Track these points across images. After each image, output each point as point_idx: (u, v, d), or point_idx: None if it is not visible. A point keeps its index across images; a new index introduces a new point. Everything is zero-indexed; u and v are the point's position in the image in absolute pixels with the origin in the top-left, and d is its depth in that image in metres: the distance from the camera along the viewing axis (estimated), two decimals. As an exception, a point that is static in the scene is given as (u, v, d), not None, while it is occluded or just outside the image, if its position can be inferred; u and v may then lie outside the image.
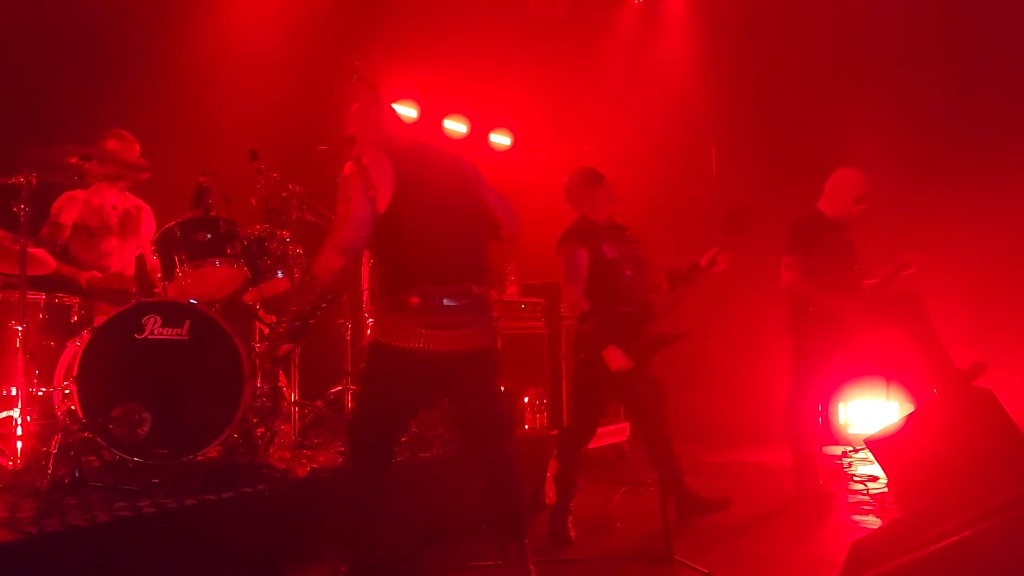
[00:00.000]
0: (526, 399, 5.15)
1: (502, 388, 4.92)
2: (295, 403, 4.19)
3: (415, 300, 3.08)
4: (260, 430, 4.07)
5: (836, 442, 6.59)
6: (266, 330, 4.65)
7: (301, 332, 3.48)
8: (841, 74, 7.57)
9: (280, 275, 4.31)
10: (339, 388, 4.95)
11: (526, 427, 5.10)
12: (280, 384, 4.47)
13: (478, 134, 8.04)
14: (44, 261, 4.13)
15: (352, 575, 3.15)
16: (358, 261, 3.14)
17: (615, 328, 4.15)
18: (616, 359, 4.07)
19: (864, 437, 5.03)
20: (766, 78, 7.71)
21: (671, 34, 8.39)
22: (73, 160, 3.82)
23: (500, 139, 8.32)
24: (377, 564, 3.17)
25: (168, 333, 3.71)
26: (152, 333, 3.68)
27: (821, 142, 7.06)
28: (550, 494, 5.08)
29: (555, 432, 5.32)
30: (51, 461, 3.30)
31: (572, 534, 4.26)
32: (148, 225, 4.76)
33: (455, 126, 7.81)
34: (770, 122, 7.65)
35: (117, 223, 4.67)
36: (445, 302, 3.11)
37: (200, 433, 3.67)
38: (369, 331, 3.25)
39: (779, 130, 7.58)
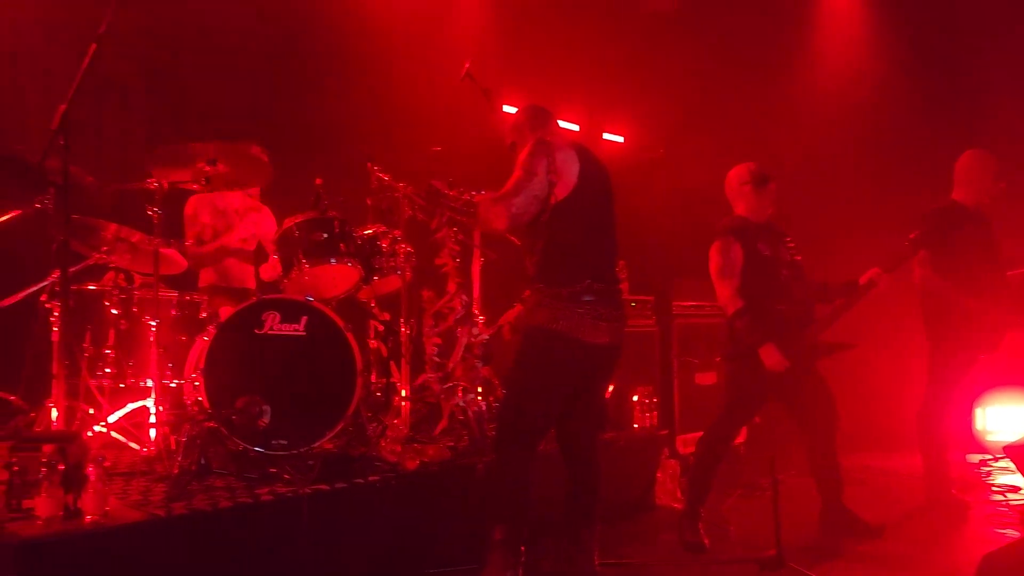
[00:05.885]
0: (635, 397, 5.07)
1: (612, 385, 4.95)
2: (406, 398, 4.28)
3: (591, 293, 3.18)
4: (373, 424, 4.18)
5: (974, 450, 6.18)
6: (380, 327, 4.80)
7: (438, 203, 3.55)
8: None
9: (392, 273, 4.43)
10: (450, 385, 5.03)
11: (635, 426, 5.02)
12: (392, 379, 4.59)
13: (590, 132, 8.00)
14: (176, 260, 4.40)
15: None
16: (512, 230, 3.28)
17: (772, 326, 4.04)
18: (772, 357, 3.97)
19: (1004, 444, 4.69)
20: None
21: (789, 23, 8.06)
22: (200, 165, 4.05)
23: (612, 138, 8.24)
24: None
25: (286, 329, 3.87)
26: (271, 329, 3.85)
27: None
28: (660, 495, 5.02)
29: (665, 432, 5.23)
30: (181, 449, 3.52)
31: (706, 541, 4.12)
32: (268, 226, 4.98)
33: (567, 125, 7.81)
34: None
35: (240, 225, 4.90)
36: (600, 296, 3.23)
37: (316, 425, 3.80)
38: (534, 317, 3.28)
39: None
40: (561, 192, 3.20)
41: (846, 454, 4.35)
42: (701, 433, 4.39)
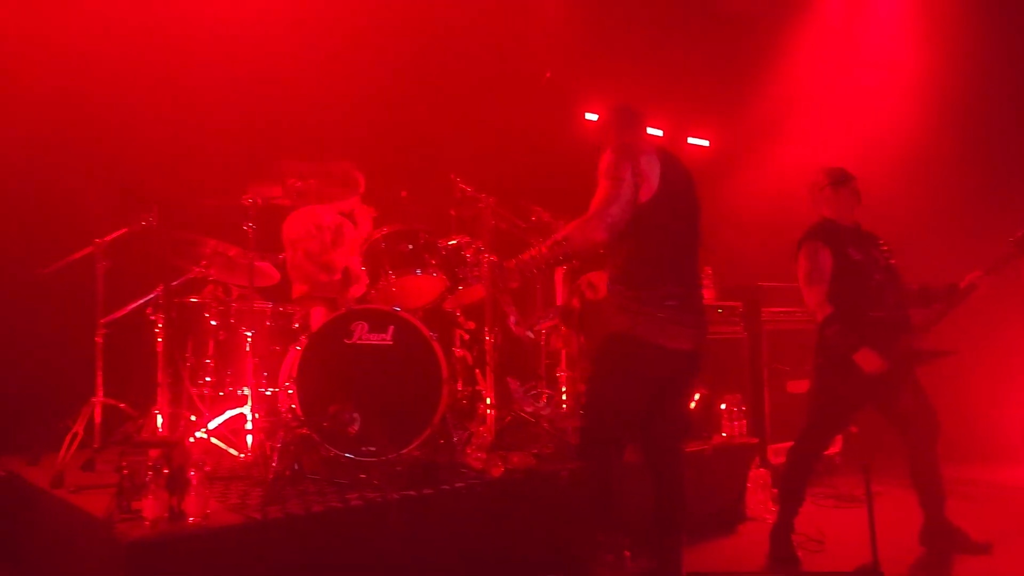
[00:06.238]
0: (723, 406, 4.98)
1: (699, 393, 4.87)
2: (491, 406, 4.33)
3: (672, 298, 3.17)
4: (459, 431, 4.25)
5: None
6: (466, 336, 4.87)
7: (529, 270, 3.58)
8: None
9: (476, 283, 4.50)
10: (534, 392, 5.07)
11: (723, 434, 4.93)
12: (478, 387, 4.65)
13: (675, 136, 7.92)
14: (270, 273, 4.58)
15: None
16: (612, 239, 3.25)
17: (867, 332, 3.92)
18: (870, 360, 3.85)
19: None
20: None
21: (878, 21, 7.78)
22: (292, 181, 4.21)
23: (697, 142, 8.14)
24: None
25: (374, 338, 3.99)
26: (360, 338, 3.97)
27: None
28: (751, 505, 4.91)
29: (755, 440, 5.12)
30: (275, 455, 3.65)
31: (799, 554, 4.02)
32: (354, 239, 5.12)
33: (651, 131, 7.75)
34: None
35: (330, 240, 5.06)
36: (680, 302, 3.21)
37: (404, 432, 3.90)
38: (614, 322, 3.29)
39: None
40: (644, 196, 3.19)
41: (948, 465, 4.16)
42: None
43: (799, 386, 5.91)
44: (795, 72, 7.69)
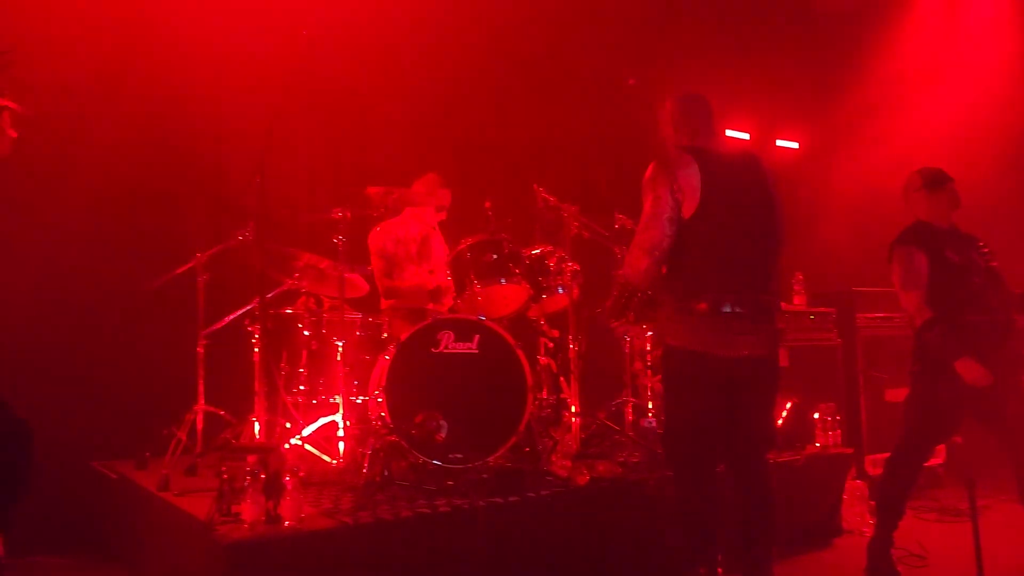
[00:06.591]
0: (816, 415, 4.83)
1: (791, 402, 4.75)
2: (576, 414, 4.33)
3: (703, 306, 3.09)
4: (544, 439, 4.26)
5: None
6: (550, 344, 4.89)
7: (620, 313, 3.58)
8: None
9: (560, 291, 4.51)
10: (620, 400, 5.04)
11: (816, 444, 4.78)
12: (563, 395, 4.66)
13: (763, 138, 7.75)
14: (359, 285, 4.70)
15: None
16: (662, 262, 3.18)
17: (968, 338, 3.77)
18: (972, 371, 3.69)
19: None
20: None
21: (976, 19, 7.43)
22: (380, 194, 4.33)
23: (787, 144, 7.95)
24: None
25: (460, 347, 4.05)
26: (446, 348, 4.04)
27: None
28: (847, 518, 4.75)
29: (851, 451, 4.95)
30: (366, 461, 3.75)
31: (899, 569, 3.88)
32: (440, 249, 5.21)
33: (736, 134, 7.60)
34: None
35: (415, 251, 5.16)
36: (731, 309, 3.10)
37: (490, 440, 3.94)
38: (666, 334, 3.28)
39: None
40: (687, 211, 3.10)
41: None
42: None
43: (898, 394, 5.68)
44: (889, 70, 7.42)
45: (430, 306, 4.75)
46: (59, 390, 4.61)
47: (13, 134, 3.33)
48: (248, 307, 4.54)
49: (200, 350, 4.61)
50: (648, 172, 3.19)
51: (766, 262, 3.22)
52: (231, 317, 4.65)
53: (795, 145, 7.96)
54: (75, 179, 4.86)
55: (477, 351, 4.06)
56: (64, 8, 4.82)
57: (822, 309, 5.79)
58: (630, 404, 5.04)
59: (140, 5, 5.05)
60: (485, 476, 3.82)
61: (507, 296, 4.50)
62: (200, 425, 4.51)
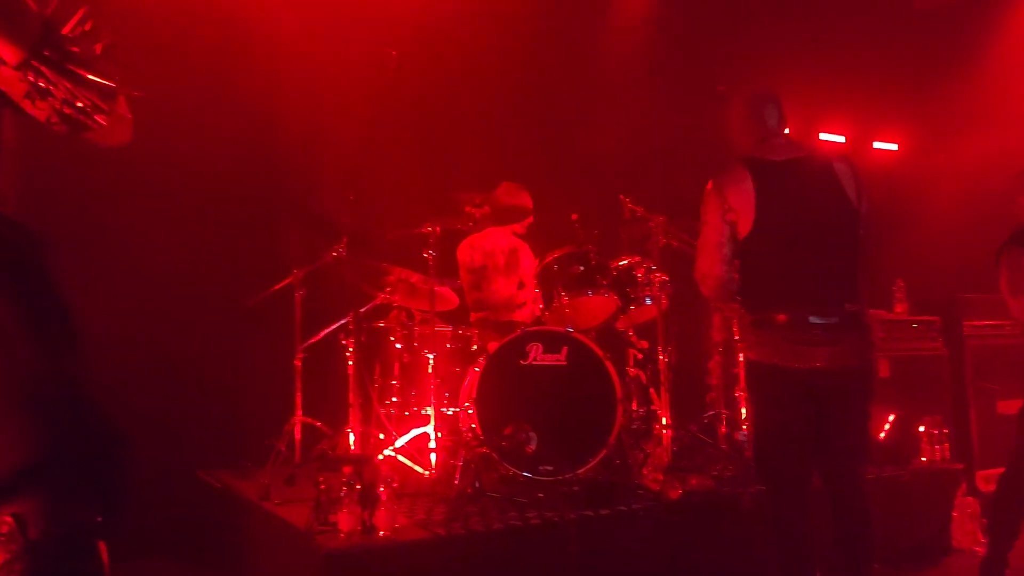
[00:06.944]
0: (921, 428, 4.63)
1: (893, 414, 4.56)
2: (667, 426, 4.27)
3: (782, 317, 3.03)
4: (634, 451, 4.22)
5: None
6: (639, 355, 4.84)
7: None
8: None
9: (648, 302, 4.47)
10: (712, 413, 4.95)
11: (923, 459, 4.57)
12: (653, 407, 4.60)
13: (860, 141, 7.50)
14: (449, 298, 4.78)
15: None
16: (719, 287, 3.17)
17: None
18: None
19: None
20: None
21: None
22: (468, 208, 4.39)
23: (885, 146, 7.67)
24: None
25: (549, 359, 4.06)
26: (535, 359, 4.05)
27: None
28: (957, 536, 4.53)
29: (960, 466, 4.71)
30: (457, 472, 3.79)
31: None
32: (527, 261, 5.24)
33: (831, 137, 7.38)
34: None
35: (503, 263, 5.21)
36: (813, 320, 3.01)
37: (580, 452, 3.93)
38: (745, 350, 3.27)
39: None
40: (744, 228, 3.06)
41: None
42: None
43: (1012, 406, 5.38)
44: (993, 67, 7.08)
45: (518, 317, 4.78)
46: (166, 403, 4.78)
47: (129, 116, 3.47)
48: (343, 321, 4.67)
49: (297, 363, 4.76)
50: (704, 198, 3.17)
51: (844, 270, 3.10)
52: (326, 331, 4.79)
53: (894, 147, 7.68)
54: (180, 199, 5.06)
55: (566, 363, 4.06)
56: (160, 29, 4.97)
57: (926, 317, 5.54)
58: (723, 416, 4.94)
59: (235, 28, 5.24)
60: (575, 488, 3.81)
61: (594, 308, 4.49)
62: (298, 436, 4.66)
